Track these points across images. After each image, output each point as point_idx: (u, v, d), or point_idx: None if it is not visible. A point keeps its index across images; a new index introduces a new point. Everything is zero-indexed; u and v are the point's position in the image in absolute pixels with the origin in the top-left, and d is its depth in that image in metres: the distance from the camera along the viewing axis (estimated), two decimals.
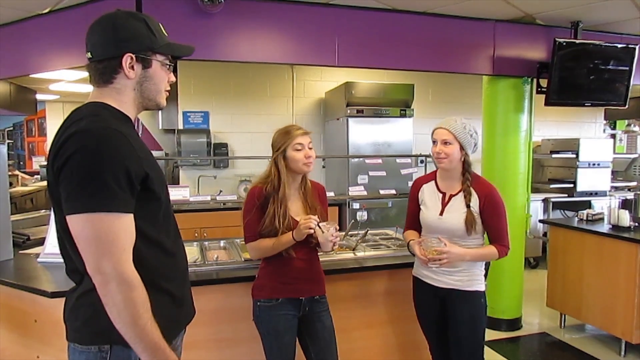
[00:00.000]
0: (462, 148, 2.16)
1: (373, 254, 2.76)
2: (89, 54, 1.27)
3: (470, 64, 3.77)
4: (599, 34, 4.02)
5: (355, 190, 3.89)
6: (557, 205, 5.90)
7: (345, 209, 4.92)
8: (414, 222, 2.36)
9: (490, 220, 2.17)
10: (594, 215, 4.03)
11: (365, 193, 3.90)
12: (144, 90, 1.31)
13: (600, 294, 3.60)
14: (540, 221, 4.97)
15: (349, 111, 4.94)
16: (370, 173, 4.49)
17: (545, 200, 5.80)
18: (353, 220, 4.05)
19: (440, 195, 2.26)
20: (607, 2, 3.40)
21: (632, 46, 3.90)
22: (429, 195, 2.30)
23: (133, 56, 1.25)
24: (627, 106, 4.07)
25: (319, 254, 2.23)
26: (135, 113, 1.34)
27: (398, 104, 5.14)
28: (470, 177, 2.21)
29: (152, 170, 1.24)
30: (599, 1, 3.38)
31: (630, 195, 6.05)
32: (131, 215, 1.16)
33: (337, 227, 2.06)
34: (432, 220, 2.24)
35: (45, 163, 1.31)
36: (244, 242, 2.21)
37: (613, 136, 7.05)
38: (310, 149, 2.10)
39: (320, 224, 2.01)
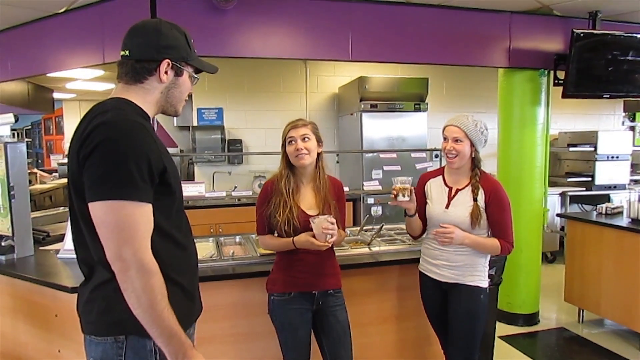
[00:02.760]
0: (472, 145, 2.19)
1: (388, 249, 2.76)
2: (127, 52, 1.34)
3: (485, 56, 3.72)
4: (618, 24, 3.94)
5: (370, 185, 3.88)
6: (575, 199, 5.82)
7: (359, 204, 4.92)
8: (420, 216, 2.35)
9: (495, 215, 2.19)
10: (613, 209, 3.96)
11: (380, 188, 3.89)
12: (169, 96, 1.39)
13: (620, 288, 3.55)
14: (557, 215, 4.90)
15: (362, 106, 4.92)
16: (385, 168, 4.47)
17: (562, 194, 5.71)
18: (368, 215, 4.04)
19: (447, 189, 2.28)
20: None
21: None
22: (435, 190, 2.32)
23: (170, 63, 1.34)
24: None
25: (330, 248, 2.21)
26: (154, 114, 1.41)
27: (412, 98, 5.10)
28: (479, 173, 2.23)
29: (169, 165, 1.29)
30: None
31: None
32: (150, 206, 1.20)
33: (333, 221, 2.01)
34: (437, 213, 2.25)
35: (67, 154, 1.36)
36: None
37: (632, 128, 6.90)
38: (304, 141, 2.08)
39: (315, 218, 2.00)
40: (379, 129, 4.98)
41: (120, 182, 1.14)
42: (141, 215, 1.17)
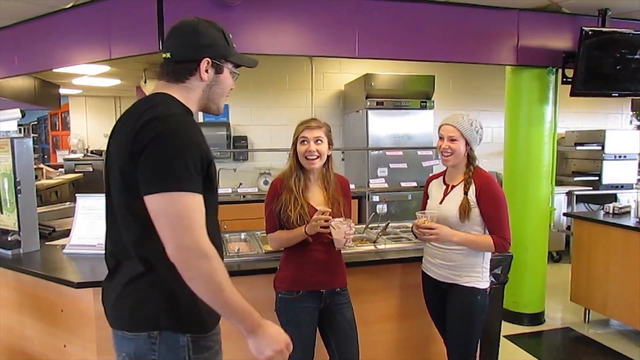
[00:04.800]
0: (467, 144, 2.23)
1: (394, 247, 2.75)
2: (168, 54, 1.36)
3: (493, 54, 3.69)
4: (628, 22, 3.90)
5: (375, 183, 3.86)
6: (581, 199, 5.78)
7: (365, 201, 4.90)
8: None
9: (488, 210, 2.18)
10: (621, 208, 3.93)
11: (385, 185, 3.88)
12: (211, 93, 1.41)
13: (627, 288, 3.52)
14: (564, 214, 4.86)
15: (368, 103, 4.90)
16: (391, 165, 4.44)
17: (569, 193, 5.68)
18: (374, 213, 4.03)
19: (445, 186, 2.34)
20: None
21: None
22: (435, 188, 2.40)
23: (210, 61, 1.35)
24: None
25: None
26: (196, 111, 1.43)
27: (418, 96, 5.08)
28: (472, 169, 2.26)
29: (213, 160, 1.32)
30: None
31: None
32: (202, 197, 1.22)
33: (352, 225, 2.03)
34: (432, 208, 2.29)
35: (109, 149, 1.36)
36: (264, 234, 2.22)
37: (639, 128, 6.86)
38: (317, 143, 2.09)
39: (334, 221, 2.00)
40: (384, 126, 4.97)
41: (178, 174, 1.18)
42: (197, 206, 1.20)
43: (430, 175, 2.54)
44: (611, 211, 3.93)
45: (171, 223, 1.17)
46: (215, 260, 1.19)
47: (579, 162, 6.10)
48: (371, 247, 2.73)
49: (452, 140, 2.21)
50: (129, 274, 1.28)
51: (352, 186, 2.38)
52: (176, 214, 1.17)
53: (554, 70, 3.83)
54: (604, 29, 3.68)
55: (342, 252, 2.24)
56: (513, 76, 3.93)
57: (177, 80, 1.35)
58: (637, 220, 3.63)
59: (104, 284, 1.38)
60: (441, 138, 2.26)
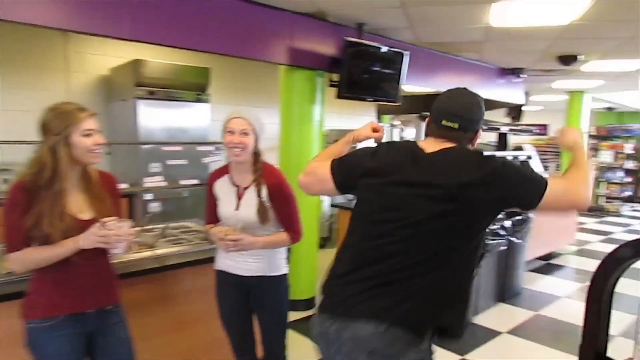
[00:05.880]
0: (256, 139, 2.18)
1: (175, 251, 2.53)
2: (458, 125, 1.58)
3: (268, 51, 3.77)
4: (380, 38, 4.50)
5: (151, 182, 3.51)
6: None
7: (136, 200, 4.45)
8: (212, 216, 2.27)
9: (281, 210, 2.20)
10: None
11: (164, 184, 3.57)
12: None
13: None
14: (332, 205, 5.37)
15: (138, 92, 4.45)
16: (168, 162, 4.13)
17: None
18: (149, 214, 3.67)
19: (235, 188, 2.22)
20: (384, 9, 3.80)
21: (403, 51, 4.46)
22: (224, 190, 2.24)
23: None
24: (399, 103, 4.67)
25: (108, 255, 1.88)
26: None
27: (193, 88, 4.87)
28: (260, 168, 2.21)
29: None
30: (378, 8, 3.76)
31: None
32: None
33: (131, 224, 1.74)
34: (229, 215, 2.19)
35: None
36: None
37: None
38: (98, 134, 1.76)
39: (109, 223, 1.67)
40: (157, 118, 4.59)
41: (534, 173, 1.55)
42: None
43: (211, 173, 2.34)
44: None
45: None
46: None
47: None
48: (149, 253, 2.44)
49: (245, 134, 2.11)
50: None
51: (124, 185, 2.06)
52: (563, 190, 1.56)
53: (323, 73, 4.15)
54: (360, 41, 4.16)
55: (113, 261, 1.92)
56: (287, 75, 4.11)
57: (456, 142, 1.61)
58: None
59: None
60: (231, 132, 2.12)
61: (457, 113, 1.57)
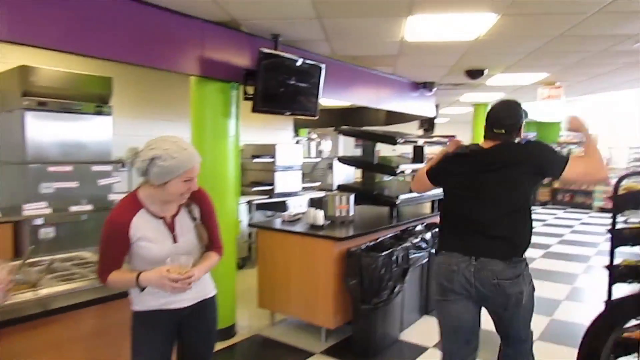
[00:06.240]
0: None
1: (63, 289, 2.14)
2: (505, 131, 2.31)
3: (177, 61, 3.48)
4: (296, 50, 4.37)
5: (34, 208, 3.03)
6: (260, 207, 6.27)
7: (23, 226, 3.88)
8: (116, 264, 1.92)
9: (209, 226, 2.07)
10: (295, 215, 4.36)
11: (48, 211, 3.09)
12: None
13: (304, 288, 3.90)
14: (250, 225, 5.11)
15: (26, 102, 3.91)
16: (56, 185, 3.62)
17: (249, 203, 6.06)
18: (33, 246, 3.17)
19: (161, 221, 1.94)
20: (300, 21, 3.68)
21: (319, 64, 4.37)
22: (149, 227, 1.91)
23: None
24: (317, 117, 4.56)
25: None
26: None
27: (93, 99, 4.38)
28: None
29: None
30: (294, 19, 3.63)
31: (317, 194, 6.97)
32: None
33: (9, 269, 1.42)
34: (167, 252, 1.90)
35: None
36: None
37: (298, 142, 8.01)
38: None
39: None
40: (49, 132, 4.06)
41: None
42: None
43: (116, 211, 1.91)
44: (287, 219, 4.32)
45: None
46: None
47: (256, 173, 6.62)
48: (29, 294, 2.04)
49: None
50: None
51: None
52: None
53: (237, 85, 3.92)
54: (276, 52, 4.00)
55: None
56: (198, 87, 3.83)
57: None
58: (309, 225, 4.07)
59: None
60: (190, 180, 1.89)
61: (503, 122, 2.30)
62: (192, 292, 1.95)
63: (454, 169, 2.40)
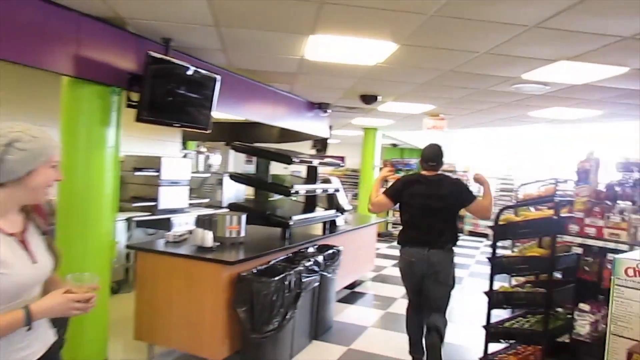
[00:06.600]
0: None
1: None
2: (436, 164, 3.61)
3: (46, 58, 3.00)
4: (190, 58, 4.06)
5: None
6: (141, 224, 5.72)
7: None
8: None
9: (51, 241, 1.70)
10: (180, 236, 4.00)
11: None
12: None
13: (189, 316, 3.54)
14: (127, 247, 4.59)
15: None
16: None
17: (128, 220, 5.49)
18: None
19: (13, 238, 1.49)
20: (195, 26, 3.42)
21: (214, 75, 4.11)
22: (2, 250, 1.45)
23: None
24: (209, 131, 4.27)
25: None
26: None
27: None
28: None
29: None
30: (189, 24, 3.36)
31: (205, 211, 6.59)
32: None
33: None
34: (30, 275, 1.50)
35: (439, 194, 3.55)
36: None
37: (186, 156, 7.55)
38: None
39: None
40: None
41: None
42: None
43: None
44: (171, 239, 3.94)
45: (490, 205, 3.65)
46: None
47: (138, 187, 6.05)
48: None
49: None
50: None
51: None
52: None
53: (120, 90, 3.50)
54: (167, 58, 3.67)
55: None
56: (71, 90, 3.35)
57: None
58: (196, 247, 3.74)
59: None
60: (55, 166, 1.54)
61: (434, 159, 3.60)
62: (51, 330, 1.62)
63: (410, 190, 3.61)
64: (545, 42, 3.25)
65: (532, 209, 4.85)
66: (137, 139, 6.34)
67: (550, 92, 4.96)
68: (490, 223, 10.76)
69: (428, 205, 3.49)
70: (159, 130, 6.77)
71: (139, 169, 5.84)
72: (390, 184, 3.87)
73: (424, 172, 3.65)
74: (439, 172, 3.62)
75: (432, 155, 3.60)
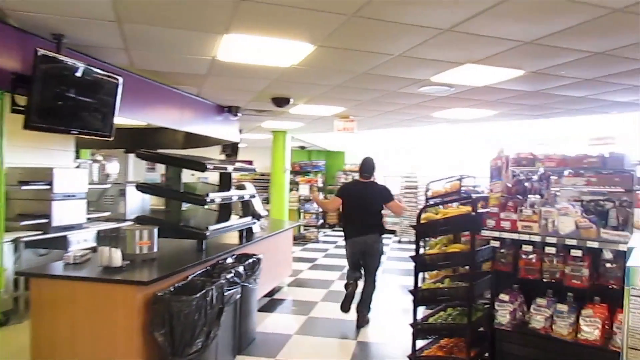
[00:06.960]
0: None
1: None
2: (369, 174, 5.09)
3: None
4: (86, 57, 3.65)
5: None
6: (30, 245, 5.05)
7: None
8: None
9: None
10: (82, 256, 3.57)
11: None
12: None
13: (98, 347, 3.15)
14: (17, 273, 4.01)
15: None
16: None
17: (15, 241, 4.82)
18: None
19: None
20: (93, 21, 3.07)
21: (116, 77, 3.74)
22: None
23: None
24: (112, 138, 3.88)
25: None
26: None
27: None
28: None
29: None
30: (85, 18, 3.01)
31: (107, 226, 6.04)
32: None
33: None
34: None
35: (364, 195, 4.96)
36: None
37: (79, 166, 6.86)
38: None
39: None
40: None
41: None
42: None
43: None
44: (72, 261, 3.50)
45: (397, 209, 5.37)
46: None
47: (26, 203, 5.33)
48: None
49: None
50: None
51: None
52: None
53: (1, 94, 3.03)
54: (61, 57, 3.25)
55: None
56: None
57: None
58: (102, 268, 3.36)
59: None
60: None
61: (368, 170, 5.04)
62: None
63: (350, 192, 5.05)
64: (456, 45, 3.39)
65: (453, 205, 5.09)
66: (21, 149, 5.60)
67: (454, 93, 5.24)
68: (398, 220, 11.32)
69: (363, 202, 4.89)
70: (49, 138, 6.04)
71: (26, 183, 5.16)
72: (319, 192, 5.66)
73: (359, 179, 5.08)
74: (370, 179, 5.04)
75: (367, 167, 5.01)
